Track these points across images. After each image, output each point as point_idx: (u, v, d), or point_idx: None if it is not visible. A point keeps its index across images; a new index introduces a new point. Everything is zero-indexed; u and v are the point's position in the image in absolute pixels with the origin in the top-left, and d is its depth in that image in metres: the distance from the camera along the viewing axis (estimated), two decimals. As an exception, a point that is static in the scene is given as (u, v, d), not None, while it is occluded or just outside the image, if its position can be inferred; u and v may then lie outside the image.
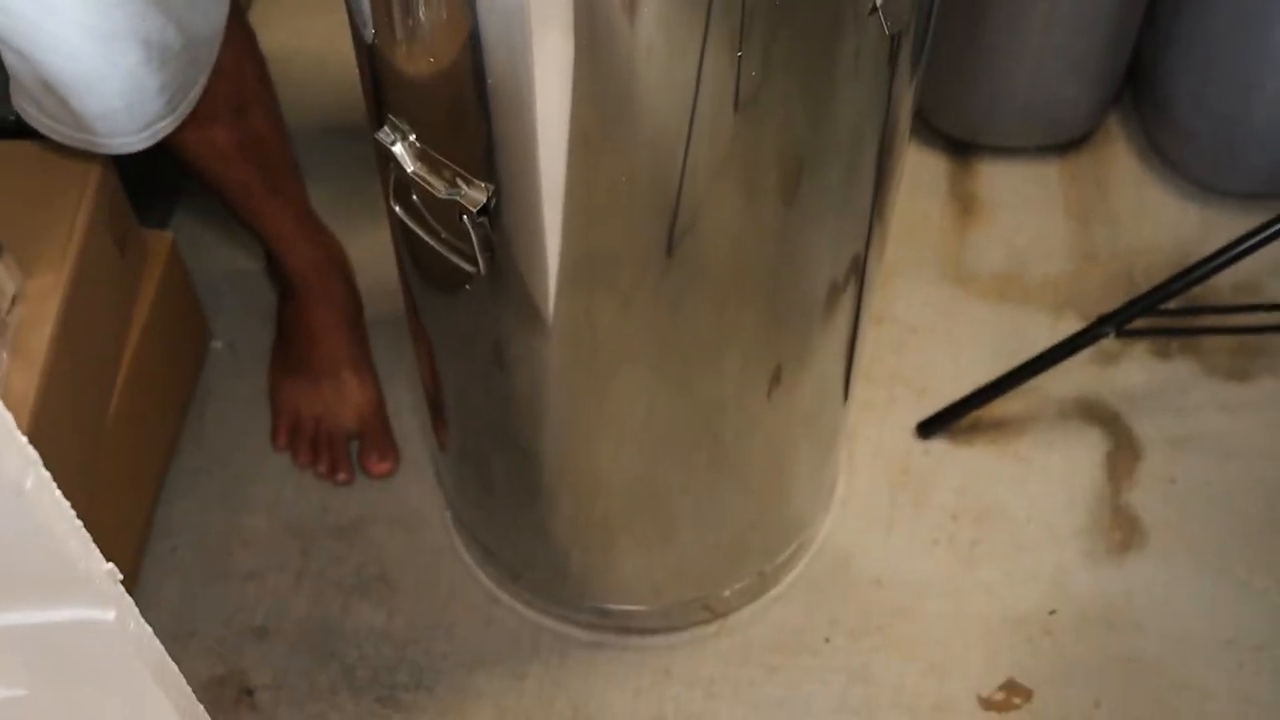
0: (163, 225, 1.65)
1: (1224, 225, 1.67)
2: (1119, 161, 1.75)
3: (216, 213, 1.51)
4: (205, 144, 1.27)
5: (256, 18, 1.85)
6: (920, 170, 1.73)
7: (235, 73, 1.25)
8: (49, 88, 1.10)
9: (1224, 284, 1.59)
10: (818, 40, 0.82)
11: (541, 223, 0.90)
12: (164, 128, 1.16)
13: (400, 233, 1.03)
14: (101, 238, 1.31)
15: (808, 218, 0.95)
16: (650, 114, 0.83)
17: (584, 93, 0.81)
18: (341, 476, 1.48)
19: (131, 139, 1.16)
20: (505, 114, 0.84)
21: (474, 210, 0.89)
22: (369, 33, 0.89)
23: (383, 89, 0.93)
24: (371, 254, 1.56)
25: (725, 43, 0.78)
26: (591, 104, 0.82)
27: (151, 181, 1.45)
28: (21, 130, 1.20)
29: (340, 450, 1.48)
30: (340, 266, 1.50)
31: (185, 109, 1.17)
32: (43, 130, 1.17)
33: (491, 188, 0.89)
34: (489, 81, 0.82)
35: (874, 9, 0.81)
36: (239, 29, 1.25)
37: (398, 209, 0.98)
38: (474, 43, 0.80)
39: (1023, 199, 1.72)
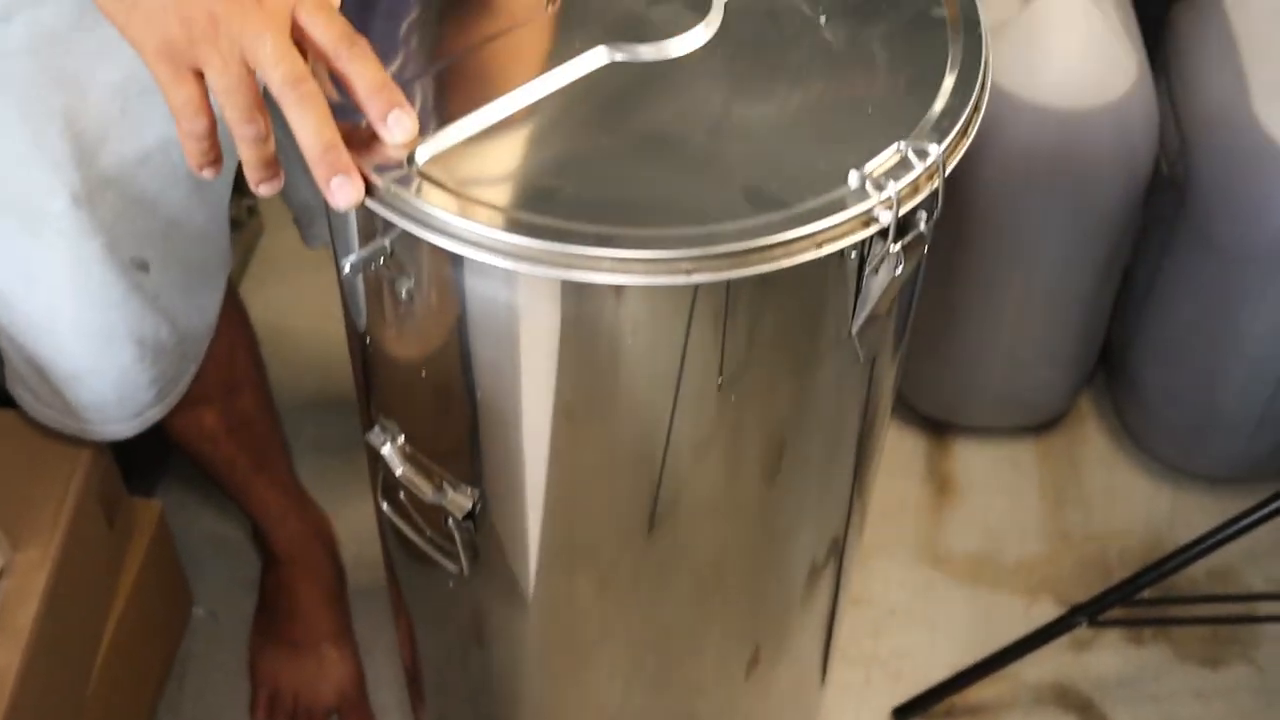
0: (149, 490, 1.66)
1: (1195, 507, 1.69)
2: (1092, 442, 1.78)
3: (202, 479, 1.53)
4: (193, 426, 1.30)
5: (249, 280, 1.89)
6: (897, 449, 1.75)
7: (226, 358, 1.27)
8: (43, 377, 1.12)
9: (1198, 570, 1.60)
10: (797, 356, 0.85)
11: (525, 524, 0.93)
12: (154, 415, 1.19)
13: (387, 524, 1.05)
14: (91, 511, 1.32)
15: (789, 501, 0.98)
16: (633, 425, 0.86)
17: (569, 415, 0.84)
18: (319, 755, 1.47)
19: (121, 426, 1.18)
20: (493, 426, 0.87)
21: (459, 515, 0.91)
22: (360, 327, 0.92)
23: (374, 388, 0.96)
24: (356, 525, 1.57)
25: (709, 352, 0.81)
26: (576, 423, 0.85)
27: (139, 446, 1.47)
28: (13, 400, 1.22)
29: (318, 727, 1.48)
30: (325, 540, 1.51)
31: (175, 398, 1.20)
32: (34, 415, 1.20)
33: (477, 493, 0.91)
34: (478, 395, 0.85)
35: (849, 335, 0.84)
36: (232, 313, 1.27)
37: (385, 506, 1.00)
38: (464, 361, 0.84)
39: (997, 479, 1.74)
